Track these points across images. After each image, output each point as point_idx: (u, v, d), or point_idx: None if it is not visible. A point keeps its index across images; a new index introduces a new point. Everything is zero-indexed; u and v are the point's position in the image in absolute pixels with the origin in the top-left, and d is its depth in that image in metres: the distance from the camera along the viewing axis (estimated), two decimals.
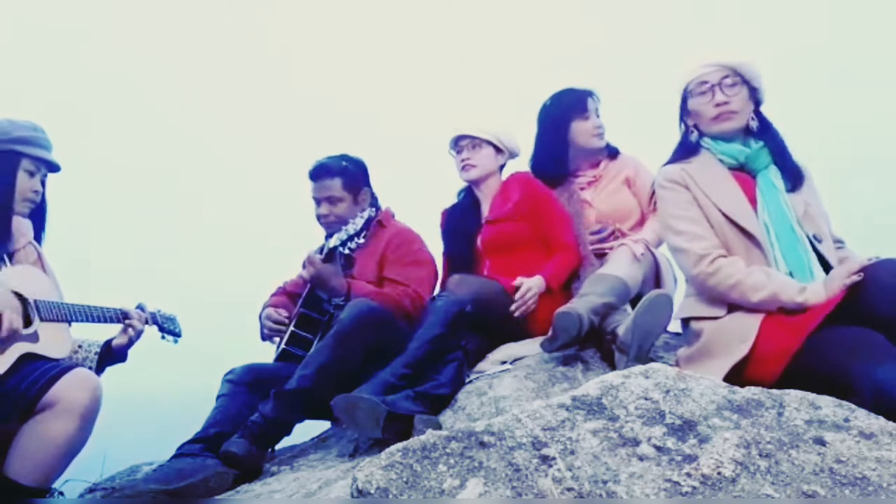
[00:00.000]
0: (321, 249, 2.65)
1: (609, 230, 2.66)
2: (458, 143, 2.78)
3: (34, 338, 1.84)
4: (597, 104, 2.82)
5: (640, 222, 2.77)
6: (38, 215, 2.10)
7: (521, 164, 2.91)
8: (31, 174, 2.00)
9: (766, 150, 1.98)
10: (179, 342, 2.41)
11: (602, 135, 2.80)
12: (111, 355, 2.13)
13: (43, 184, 2.07)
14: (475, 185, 2.81)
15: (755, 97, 2.02)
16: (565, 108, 2.78)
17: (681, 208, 1.95)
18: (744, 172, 1.97)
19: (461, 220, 2.82)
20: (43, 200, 2.10)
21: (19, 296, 1.86)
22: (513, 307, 2.40)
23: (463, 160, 2.75)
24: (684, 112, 2.06)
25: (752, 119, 1.99)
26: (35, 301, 1.87)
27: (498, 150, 2.78)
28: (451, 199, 2.97)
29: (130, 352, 2.18)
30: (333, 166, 2.65)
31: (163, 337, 2.34)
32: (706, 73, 1.97)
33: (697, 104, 1.99)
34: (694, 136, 2.03)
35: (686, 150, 2.05)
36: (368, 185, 2.73)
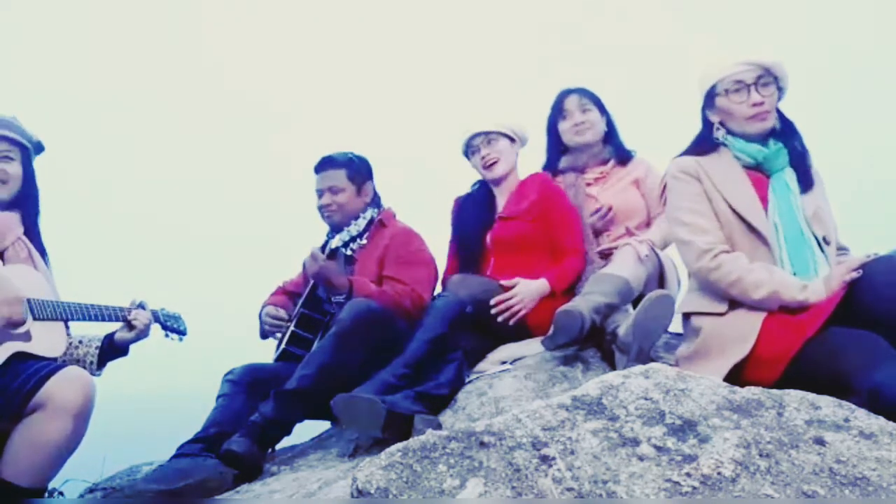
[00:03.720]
0: (323, 248, 2.65)
1: (606, 207, 2.66)
2: (471, 143, 2.75)
3: (26, 336, 1.81)
4: (580, 101, 2.84)
5: (647, 223, 2.76)
6: (28, 207, 2.02)
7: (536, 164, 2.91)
8: None
9: (784, 152, 1.96)
10: (183, 341, 2.37)
11: (582, 131, 2.82)
12: (113, 350, 2.08)
13: (25, 167, 1.96)
14: (494, 182, 2.77)
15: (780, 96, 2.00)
16: (551, 114, 2.92)
17: (689, 200, 1.94)
18: (758, 172, 1.96)
19: (474, 210, 2.78)
20: (32, 189, 2.02)
21: None
22: (493, 309, 2.38)
23: (483, 157, 2.71)
24: (709, 108, 2.03)
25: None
26: (28, 300, 1.83)
27: (511, 140, 2.76)
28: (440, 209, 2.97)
29: (132, 354, 2.14)
30: (339, 158, 2.68)
31: (167, 335, 2.28)
32: (741, 72, 1.93)
33: (731, 103, 1.95)
34: (721, 134, 1.99)
35: (704, 144, 2.03)
36: (372, 181, 2.74)
